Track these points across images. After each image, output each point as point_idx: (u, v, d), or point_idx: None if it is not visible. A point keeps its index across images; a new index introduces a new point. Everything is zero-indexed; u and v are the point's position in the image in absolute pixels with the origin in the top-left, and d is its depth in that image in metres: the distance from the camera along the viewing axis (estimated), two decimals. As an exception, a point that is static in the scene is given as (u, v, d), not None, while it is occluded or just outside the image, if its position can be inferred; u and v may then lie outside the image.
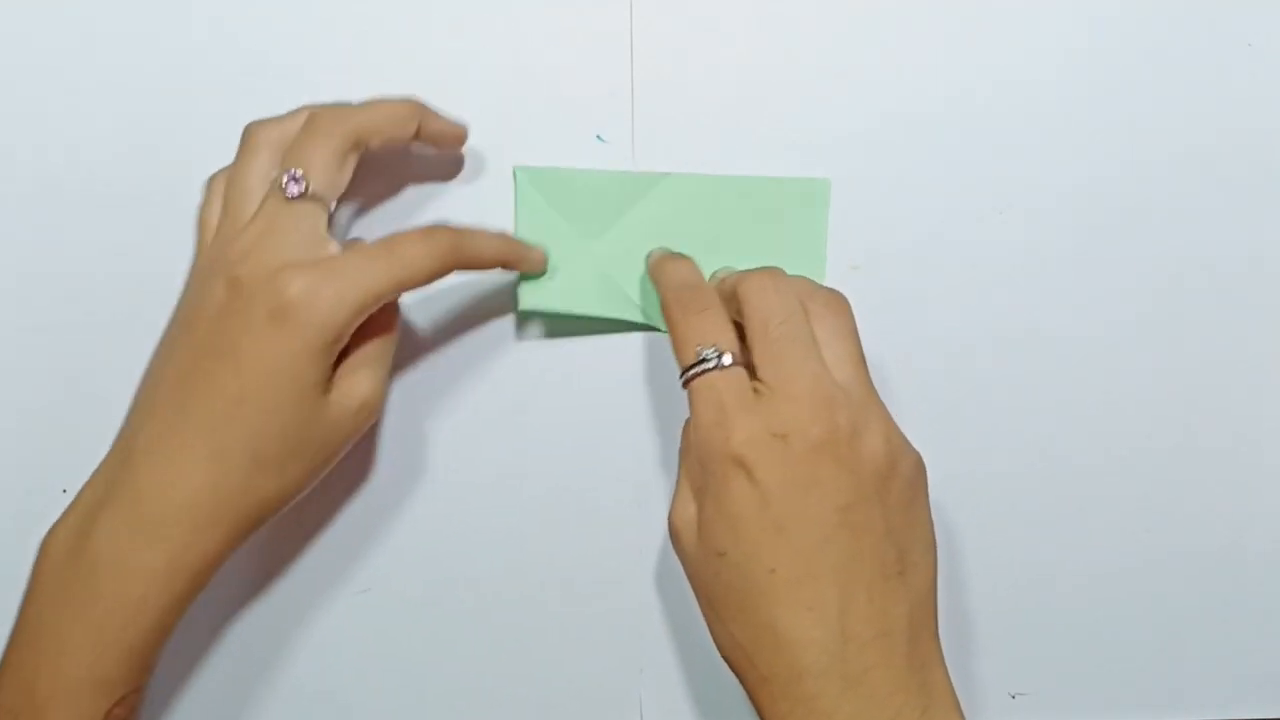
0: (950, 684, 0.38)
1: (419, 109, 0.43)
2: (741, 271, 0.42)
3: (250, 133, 0.42)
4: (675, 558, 0.46)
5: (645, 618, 0.47)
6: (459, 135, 0.45)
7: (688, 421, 0.40)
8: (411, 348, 0.47)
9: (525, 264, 0.45)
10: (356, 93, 0.46)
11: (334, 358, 0.40)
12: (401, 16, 0.47)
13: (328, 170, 0.41)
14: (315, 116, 0.42)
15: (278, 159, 0.42)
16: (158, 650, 0.40)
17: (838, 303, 0.41)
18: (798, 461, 0.37)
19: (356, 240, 0.42)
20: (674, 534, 0.41)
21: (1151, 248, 0.48)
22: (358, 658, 0.47)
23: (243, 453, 0.39)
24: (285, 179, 0.40)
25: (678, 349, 0.40)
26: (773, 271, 0.41)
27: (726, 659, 0.39)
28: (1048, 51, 0.48)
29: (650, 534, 0.47)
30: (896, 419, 0.47)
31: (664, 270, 0.43)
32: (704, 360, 0.39)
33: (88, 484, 0.41)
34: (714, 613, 0.39)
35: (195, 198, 0.46)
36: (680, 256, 0.44)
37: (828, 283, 0.47)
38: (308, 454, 0.40)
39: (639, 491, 0.47)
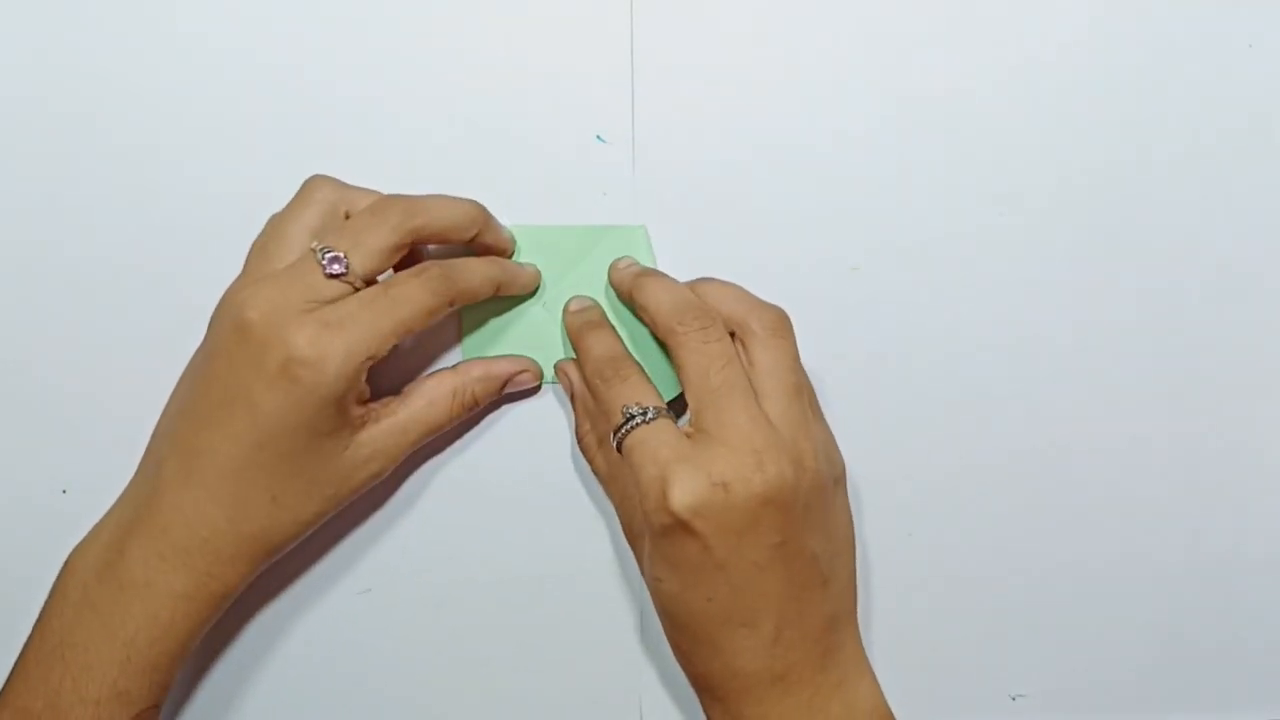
0: (863, 654, 0.42)
1: (482, 216, 0.44)
2: (697, 284, 0.43)
3: (310, 186, 0.43)
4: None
5: (645, 619, 0.47)
6: (508, 249, 0.46)
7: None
8: (412, 346, 0.47)
9: (517, 285, 0.45)
10: (353, 93, 0.46)
11: (347, 407, 0.41)
12: (401, 16, 0.47)
13: (373, 259, 0.41)
14: (384, 205, 0.42)
15: (325, 218, 0.42)
16: (176, 670, 0.41)
17: (779, 324, 0.42)
18: (737, 508, 0.39)
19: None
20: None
21: (1152, 249, 0.48)
22: (358, 658, 0.47)
23: (262, 493, 0.41)
24: (327, 256, 0.41)
25: (606, 416, 0.42)
26: (709, 314, 0.42)
27: (672, 649, 0.42)
28: (1048, 52, 0.47)
29: (650, 534, 0.47)
30: (896, 420, 0.47)
31: (583, 344, 0.44)
32: (631, 418, 0.41)
33: (117, 504, 0.42)
34: (659, 612, 0.42)
35: (195, 198, 0.46)
36: (596, 325, 0.45)
37: (827, 283, 0.47)
38: (325, 494, 0.42)
39: (639, 492, 0.47)
